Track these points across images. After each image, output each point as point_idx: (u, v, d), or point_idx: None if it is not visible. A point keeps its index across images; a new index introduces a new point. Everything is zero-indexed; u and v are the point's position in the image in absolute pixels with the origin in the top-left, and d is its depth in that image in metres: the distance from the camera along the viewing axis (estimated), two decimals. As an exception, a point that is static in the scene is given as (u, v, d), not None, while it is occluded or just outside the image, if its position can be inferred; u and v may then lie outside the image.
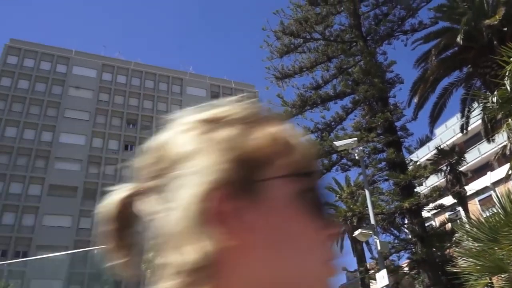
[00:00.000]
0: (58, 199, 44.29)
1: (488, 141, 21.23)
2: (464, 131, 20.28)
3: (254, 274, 0.45)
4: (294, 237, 0.46)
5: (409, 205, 15.22)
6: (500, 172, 23.43)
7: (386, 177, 16.98)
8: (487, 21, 16.33)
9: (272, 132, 0.50)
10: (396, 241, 17.45)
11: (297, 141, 0.51)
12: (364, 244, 27.31)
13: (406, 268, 17.64)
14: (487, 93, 12.18)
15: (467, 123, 20.11)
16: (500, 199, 5.70)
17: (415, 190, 16.60)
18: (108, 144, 49.84)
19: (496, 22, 15.95)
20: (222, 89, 60.05)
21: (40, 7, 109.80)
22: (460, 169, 26.17)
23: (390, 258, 17.31)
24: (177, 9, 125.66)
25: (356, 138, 13.78)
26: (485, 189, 27.05)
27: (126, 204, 0.53)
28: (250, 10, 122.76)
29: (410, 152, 18.18)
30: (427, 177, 16.85)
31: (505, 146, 20.27)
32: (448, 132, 35.51)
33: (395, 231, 18.29)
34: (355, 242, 27.46)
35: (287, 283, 0.45)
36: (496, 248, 5.26)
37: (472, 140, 32.12)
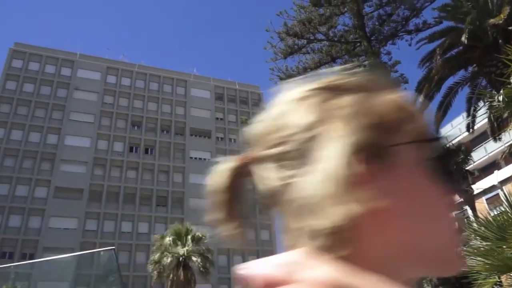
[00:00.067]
0: (64, 201, 44.53)
1: (495, 139, 21.14)
2: (470, 130, 20.20)
3: (390, 239, 0.45)
4: (425, 203, 0.47)
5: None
6: (507, 170, 23.33)
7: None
8: (491, 20, 16.30)
9: (394, 99, 0.50)
10: None
11: (417, 108, 0.51)
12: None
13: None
14: (493, 91, 12.15)
15: (473, 122, 20.03)
16: (508, 197, 5.70)
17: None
18: (113, 146, 50.05)
19: (501, 21, 15.92)
20: (227, 90, 60.17)
21: (44, 11, 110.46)
22: (466, 168, 26.08)
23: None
24: (181, 12, 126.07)
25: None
26: (492, 188, 26.91)
27: (238, 174, 0.54)
28: (254, 12, 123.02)
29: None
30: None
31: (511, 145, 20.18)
32: (454, 131, 35.49)
33: None
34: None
35: (420, 250, 0.45)
36: (504, 246, 5.26)
37: (478, 139, 32.03)
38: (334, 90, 0.51)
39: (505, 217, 5.50)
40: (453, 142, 32.29)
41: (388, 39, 19.44)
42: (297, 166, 0.47)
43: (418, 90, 19.29)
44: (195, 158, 53.27)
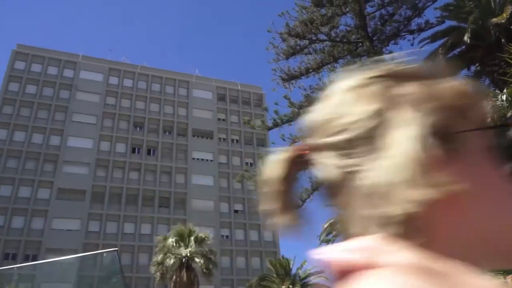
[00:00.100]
0: (67, 202, 44.62)
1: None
2: (473, 129, 20.17)
3: (466, 227, 0.43)
4: (496, 191, 0.45)
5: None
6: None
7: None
8: (494, 20, 16.24)
9: (458, 86, 0.49)
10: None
11: (479, 96, 0.50)
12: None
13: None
14: (496, 91, 12.10)
15: (476, 122, 20.01)
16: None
17: None
18: (116, 147, 50.13)
19: (503, 20, 15.86)
20: (229, 91, 60.18)
21: (47, 13, 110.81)
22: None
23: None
24: (182, 13, 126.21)
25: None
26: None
27: (295, 164, 0.53)
28: (255, 12, 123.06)
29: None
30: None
31: (515, 145, 20.09)
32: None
33: None
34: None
35: (495, 240, 0.44)
36: None
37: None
38: (396, 78, 0.50)
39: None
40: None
41: (390, 39, 19.39)
42: (362, 153, 0.47)
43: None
44: (198, 159, 53.28)
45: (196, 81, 59.55)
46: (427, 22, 19.18)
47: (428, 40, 19.17)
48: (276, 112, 18.29)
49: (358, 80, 0.51)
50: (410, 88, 0.48)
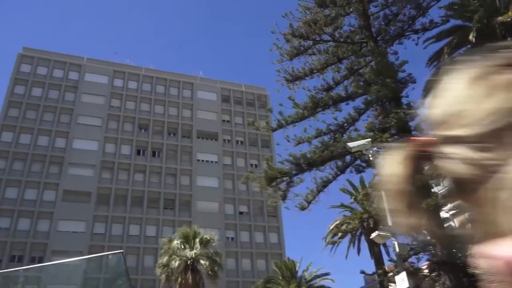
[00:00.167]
0: (72, 204, 44.77)
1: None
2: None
3: None
4: None
5: (426, 206, 14.84)
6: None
7: (402, 178, 16.67)
8: (500, 18, 16.10)
9: None
10: (414, 243, 17.14)
11: None
12: (381, 246, 26.97)
13: (426, 271, 17.34)
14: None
15: (485, 120, 19.77)
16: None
17: (432, 190, 16.27)
18: (121, 149, 50.25)
19: (509, 19, 15.73)
20: (233, 92, 60.18)
21: (52, 16, 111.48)
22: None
23: (409, 260, 16.99)
24: (186, 15, 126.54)
25: (369, 139, 13.60)
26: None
27: (417, 160, 0.50)
28: (259, 13, 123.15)
29: (426, 152, 17.86)
30: (444, 177, 16.48)
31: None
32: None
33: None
34: (372, 244, 27.12)
35: None
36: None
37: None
38: None
39: None
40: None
41: (394, 39, 19.24)
42: (503, 147, 0.44)
43: (427, 89, 19.09)
44: (202, 160, 53.28)
45: (200, 82, 59.62)
46: (431, 21, 19.00)
47: (433, 40, 19.05)
48: (280, 113, 18.21)
49: (480, 70, 0.48)
50: None
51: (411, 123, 17.32)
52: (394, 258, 16.57)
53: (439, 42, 18.99)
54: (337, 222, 31.09)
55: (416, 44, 19.20)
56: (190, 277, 24.60)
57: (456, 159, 0.47)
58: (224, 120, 57.56)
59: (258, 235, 50.23)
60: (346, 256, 32.07)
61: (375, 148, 13.46)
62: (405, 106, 17.19)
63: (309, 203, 17.40)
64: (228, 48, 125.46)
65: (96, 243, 42.64)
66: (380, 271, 23.73)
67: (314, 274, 32.04)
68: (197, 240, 25.99)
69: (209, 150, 54.27)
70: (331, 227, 31.50)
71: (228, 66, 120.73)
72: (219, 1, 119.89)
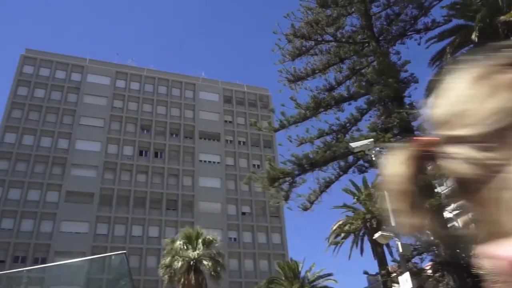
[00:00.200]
0: (75, 205, 44.87)
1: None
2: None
3: None
4: None
5: (429, 206, 14.75)
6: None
7: (405, 178, 16.58)
8: (502, 17, 16.04)
9: None
10: (418, 243, 17.06)
11: None
12: (384, 247, 26.90)
13: (430, 271, 17.28)
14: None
15: (489, 119, 19.64)
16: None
17: (435, 190, 16.20)
18: (123, 150, 50.33)
19: (511, 18, 15.66)
20: (235, 93, 60.19)
21: (54, 17, 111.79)
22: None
23: (413, 260, 16.93)
24: (188, 15, 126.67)
25: (372, 139, 13.57)
26: None
27: (419, 159, 0.50)
28: (261, 14, 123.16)
29: (428, 152, 17.77)
30: (447, 177, 16.36)
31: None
32: (466, 131, 34.98)
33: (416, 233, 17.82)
34: (375, 244, 27.06)
35: None
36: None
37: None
38: None
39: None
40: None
41: (396, 38, 19.19)
42: (507, 146, 0.43)
43: (429, 89, 19.00)
44: (205, 161, 53.31)
45: (202, 83, 59.67)
46: (433, 21, 18.95)
47: (435, 39, 18.99)
48: (282, 113, 18.20)
49: (483, 70, 0.48)
50: None
51: (414, 123, 17.28)
52: (398, 258, 16.52)
53: (441, 42, 18.93)
54: (340, 222, 31.05)
55: (419, 44, 19.16)
56: (193, 278, 24.60)
57: (459, 159, 0.47)
58: (226, 121, 57.58)
59: (260, 236, 50.20)
60: (349, 257, 31.98)
61: (378, 148, 13.42)
62: (407, 106, 17.15)
63: (311, 203, 17.38)
64: (230, 48, 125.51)
65: (99, 244, 42.70)
66: (383, 272, 23.66)
67: (317, 274, 31.99)
68: (200, 240, 25.99)
69: (211, 150, 54.29)
70: (334, 228, 31.45)
71: (230, 66, 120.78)
72: (221, 1, 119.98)
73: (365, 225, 28.12)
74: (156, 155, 51.77)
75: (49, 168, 46.38)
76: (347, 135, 17.66)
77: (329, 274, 32.17)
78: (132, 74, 56.30)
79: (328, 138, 17.85)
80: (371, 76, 17.56)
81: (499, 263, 0.38)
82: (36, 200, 44.31)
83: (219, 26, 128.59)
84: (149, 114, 54.17)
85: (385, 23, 19.44)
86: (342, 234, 30.43)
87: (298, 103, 18.39)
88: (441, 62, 18.86)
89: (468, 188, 0.47)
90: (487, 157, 0.44)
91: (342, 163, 17.48)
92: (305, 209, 17.39)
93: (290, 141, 17.80)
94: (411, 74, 18.28)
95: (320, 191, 17.46)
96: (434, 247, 16.03)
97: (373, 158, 13.46)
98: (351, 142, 13.99)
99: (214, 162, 53.59)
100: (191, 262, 25.02)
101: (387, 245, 25.25)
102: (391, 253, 27.68)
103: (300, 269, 32.21)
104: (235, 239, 48.95)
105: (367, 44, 19.28)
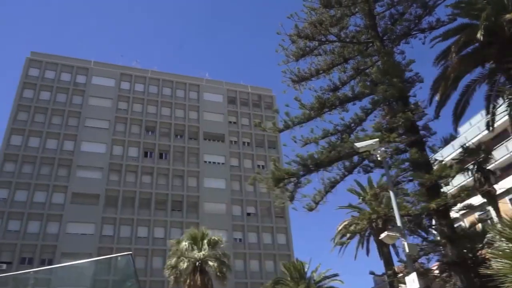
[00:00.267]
0: (81, 206, 45.09)
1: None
2: (490, 128, 19.64)
3: None
4: None
5: (436, 206, 14.65)
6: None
7: (411, 178, 16.48)
8: (508, 16, 15.90)
9: None
10: (424, 243, 16.93)
11: None
12: (390, 247, 26.78)
13: (437, 271, 17.18)
14: (512, 88, 11.84)
15: (493, 120, 19.41)
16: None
17: (442, 190, 16.08)
18: (128, 152, 50.53)
19: (517, 16, 15.52)
20: (239, 94, 60.27)
21: (59, 20, 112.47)
22: (488, 167, 25.43)
23: (419, 260, 16.82)
24: (191, 16, 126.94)
25: (377, 139, 13.47)
26: (515, 187, 26.14)
27: None
28: (264, 14, 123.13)
29: (434, 152, 17.59)
30: (453, 177, 16.25)
31: (533, 142, 19.59)
32: (473, 130, 34.75)
33: (423, 233, 17.75)
34: (381, 245, 26.96)
35: None
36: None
37: (499, 137, 31.31)
38: None
39: (530, 218, 5.30)
40: (473, 141, 31.64)
41: (401, 38, 19.09)
42: None
43: (434, 88, 18.92)
44: (209, 162, 53.39)
45: (206, 84, 59.81)
46: (438, 20, 18.83)
47: (440, 38, 18.83)
48: (287, 114, 18.15)
49: None
50: None
51: (419, 123, 17.20)
52: (404, 258, 16.44)
53: (446, 41, 18.77)
54: (345, 222, 30.97)
55: (423, 43, 19.06)
56: (199, 279, 24.61)
57: None
58: (230, 122, 57.65)
59: (266, 236, 50.18)
60: (355, 257, 31.88)
61: (383, 148, 13.37)
62: (412, 106, 17.08)
63: (317, 203, 17.33)
64: (234, 49, 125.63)
65: (105, 245, 42.89)
66: (389, 272, 23.58)
67: (323, 275, 31.86)
68: (205, 241, 25.99)
69: (216, 151, 54.37)
70: (340, 228, 31.37)
71: (234, 67, 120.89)
72: (224, 1, 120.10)
73: (371, 225, 28.03)
74: (161, 156, 51.92)
75: (55, 170, 46.65)
76: (352, 135, 17.59)
77: (335, 275, 32.05)
78: (137, 76, 56.56)
79: (333, 138, 17.78)
80: (375, 76, 17.50)
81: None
82: (42, 202, 44.58)
83: (222, 27, 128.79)
84: (153, 115, 54.36)
85: (389, 22, 19.37)
86: (348, 235, 30.34)
87: (303, 104, 18.35)
88: (446, 61, 18.75)
89: None
90: None
91: (347, 163, 17.41)
92: (310, 209, 17.34)
93: (295, 142, 17.76)
94: (416, 73, 18.19)
95: (325, 192, 17.40)
96: (441, 247, 15.91)
97: (378, 158, 13.39)
98: (356, 142, 13.93)
99: (218, 163, 53.66)
100: (197, 263, 25.03)
101: (393, 245, 25.16)
102: (397, 253, 27.58)
103: (306, 269, 32.12)
104: (240, 239, 48.96)
105: (371, 44, 19.22)
